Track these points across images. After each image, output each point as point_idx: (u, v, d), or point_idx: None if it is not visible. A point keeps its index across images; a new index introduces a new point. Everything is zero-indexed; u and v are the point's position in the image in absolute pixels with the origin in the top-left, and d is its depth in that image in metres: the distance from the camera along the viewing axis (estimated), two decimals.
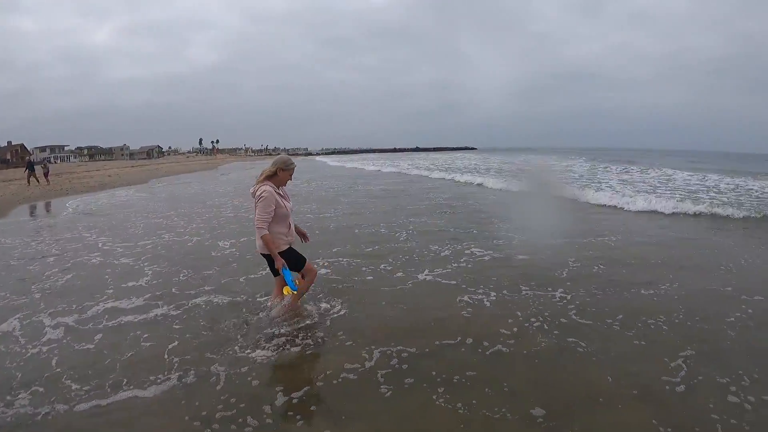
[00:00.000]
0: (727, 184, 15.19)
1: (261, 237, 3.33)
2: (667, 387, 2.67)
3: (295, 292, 3.56)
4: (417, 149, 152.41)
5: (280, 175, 3.46)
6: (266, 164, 3.63)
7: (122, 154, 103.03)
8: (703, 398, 2.55)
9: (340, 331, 3.49)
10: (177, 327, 3.64)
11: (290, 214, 3.56)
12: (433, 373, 2.85)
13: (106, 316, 3.90)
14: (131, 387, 2.75)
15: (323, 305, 4.01)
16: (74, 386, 2.77)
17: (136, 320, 3.80)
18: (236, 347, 3.24)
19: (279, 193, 3.45)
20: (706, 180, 16.76)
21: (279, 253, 3.41)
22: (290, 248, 3.59)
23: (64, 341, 3.45)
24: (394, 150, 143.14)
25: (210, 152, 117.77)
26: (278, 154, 3.81)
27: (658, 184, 15.45)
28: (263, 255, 3.53)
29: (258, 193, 3.36)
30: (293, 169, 3.50)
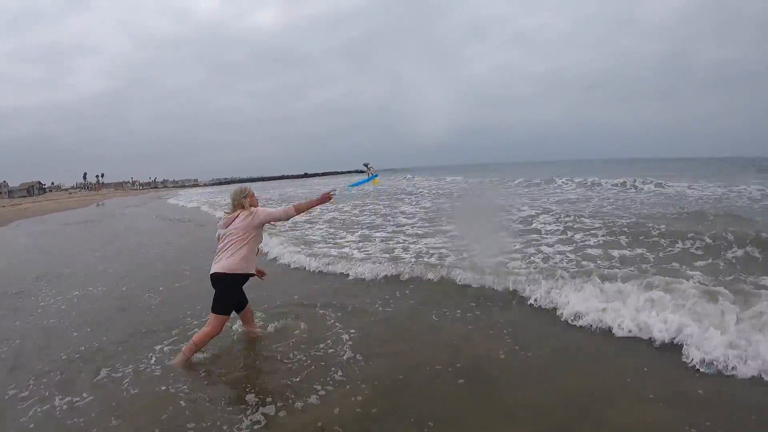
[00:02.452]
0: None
1: None
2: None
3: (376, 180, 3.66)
4: (305, 175, 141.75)
5: (244, 205, 3.33)
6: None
7: (0, 192, 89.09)
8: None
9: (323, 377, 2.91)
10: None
11: (224, 239, 3.29)
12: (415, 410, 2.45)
13: None
14: None
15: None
16: None
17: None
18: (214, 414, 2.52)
19: (222, 224, 3.36)
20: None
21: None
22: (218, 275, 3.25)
23: None
24: (282, 177, 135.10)
25: (94, 187, 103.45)
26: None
27: None
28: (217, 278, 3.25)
29: None
30: (245, 195, 3.34)
